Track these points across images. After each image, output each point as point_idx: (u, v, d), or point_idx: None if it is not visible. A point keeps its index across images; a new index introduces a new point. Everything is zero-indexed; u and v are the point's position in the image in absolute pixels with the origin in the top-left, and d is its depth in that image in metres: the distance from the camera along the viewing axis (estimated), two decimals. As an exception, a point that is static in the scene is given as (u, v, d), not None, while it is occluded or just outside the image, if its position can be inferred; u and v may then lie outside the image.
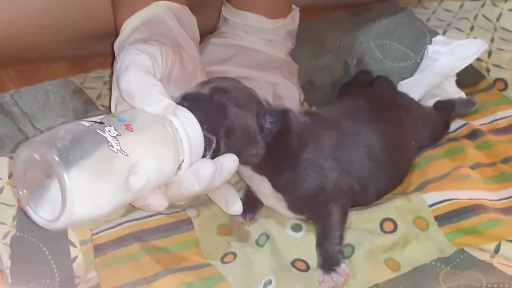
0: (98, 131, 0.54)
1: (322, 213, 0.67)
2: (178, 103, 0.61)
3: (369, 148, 0.70)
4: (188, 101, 0.61)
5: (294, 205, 0.68)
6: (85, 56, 0.93)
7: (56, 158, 0.52)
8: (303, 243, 0.69)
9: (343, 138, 0.69)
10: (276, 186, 0.67)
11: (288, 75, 0.83)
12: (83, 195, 0.53)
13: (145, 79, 0.60)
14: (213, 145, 0.61)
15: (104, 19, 0.85)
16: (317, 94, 0.87)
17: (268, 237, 0.70)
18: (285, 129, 0.65)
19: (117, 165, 0.54)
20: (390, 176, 0.72)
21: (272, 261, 0.68)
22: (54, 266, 0.68)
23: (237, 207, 0.66)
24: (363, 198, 0.70)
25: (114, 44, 0.71)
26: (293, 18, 0.86)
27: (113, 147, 0.54)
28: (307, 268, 0.67)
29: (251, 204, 0.70)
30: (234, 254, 0.68)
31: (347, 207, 0.68)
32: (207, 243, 0.69)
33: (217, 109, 0.61)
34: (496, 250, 0.68)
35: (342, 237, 0.67)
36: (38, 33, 0.87)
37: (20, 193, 0.55)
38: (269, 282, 0.66)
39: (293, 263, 0.68)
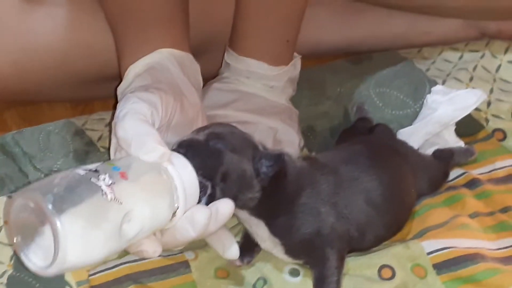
0: (92, 179, 0.55)
1: (319, 258, 0.66)
2: (174, 150, 0.62)
3: (367, 194, 0.70)
4: (184, 148, 0.62)
5: (291, 250, 0.68)
6: (87, 98, 0.94)
7: (50, 206, 0.53)
8: (300, 288, 0.68)
9: (341, 183, 0.69)
10: (273, 230, 0.67)
11: (288, 121, 0.83)
12: (75, 243, 0.53)
13: (141, 127, 0.61)
14: (208, 191, 0.61)
15: (107, 62, 0.87)
16: (317, 140, 0.87)
17: (265, 281, 0.69)
18: (281, 173, 0.65)
19: (111, 213, 0.55)
20: (388, 222, 0.72)
21: (269, 306, 0.67)
22: (50, 307, 0.67)
23: (233, 251, 0.66)
24: (361, 244, 0.70)
25: (118, 89, 0.72)
26: (295, 66, 0.87)
27: (107, 195, 0.55)
28: (304, 313, 0.67)
29: (249, 247, 0.70)
30: (231, 299, 0.68)
31: (344, 253, 0.68)
32: (204, 286, 0.69)
33: (212, 155, 0.62)
34: (495, 300, 0.68)
35: (339, 283, 0.66)
36: (41, 75, 0.88)
37: (15, 240, 0.56)
38: (266, 327, 0.66)
39: (290, 309, 0.67)
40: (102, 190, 0.55)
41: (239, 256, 0.69)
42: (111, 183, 0.55)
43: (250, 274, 0.70)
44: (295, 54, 0.87)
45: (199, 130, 0.65)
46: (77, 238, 0.53)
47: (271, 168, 0.64)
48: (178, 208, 0.59)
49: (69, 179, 0.55)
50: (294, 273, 0.70)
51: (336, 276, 0.66)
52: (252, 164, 0.63)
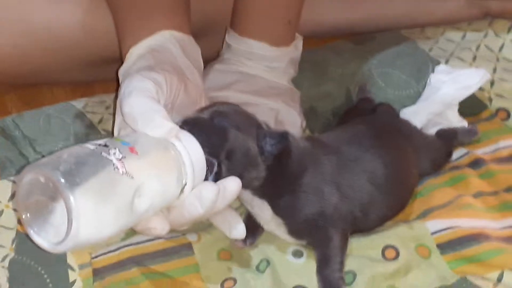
0: (103, 153, 0.55)
1: (322, 238, 0.66)
2: (179, 127, 0.62)
3: (370, 174, 0.70)
4: (189, 125, 0.62)
5: (294, 230, 0.67)
6: (88, 80, 0.94)
7: (62, 180, 0.52)
8: (304, 269, 0.68)
9: (344, 163, 0.69)
10: (276, 210, 0.66)
11: (290, 102, 0.83)
12: (88, 217, 0.52)
13: (148, 104, 0.61)
14: (215, 168, 0.61)
15: (107, 44, 0.86)
16: (319, 121, 0.87)
17: (268, 263, 0.69)
18: (285, 152, 0.64)
19: (123, 188, 0.54)
20: (391, 202, 0.72)
21: (273, 287, 0.67)
22: (52, 290, 0.67)
23: (240, 230, 0.65)
24: (364, 224, 0.70)
25: (119, 71, 0.71)
26: (296, 46, 0.87)
27: (118, 169, 0.54)
28: (308, 294, 0.67)
29: (252, 229, 0.70)
30: (234, 280, 0.68)
31: (348, 233, 0.68)
32: (207, 268, 0.69)
33: (217, 132, 0.62)
34: (499, 279, 0.67)
35: (342, 264, 0.66)
36: (41, 57, 0.87)
37: (23, 216, 0.55)
38: (269, 308, 0.66)
39: (294, 290, 0.67)
40: (113, 164, 0.54)
41: (242, 240, 0.69)
42: (121, 157, 0.55)
43: (254, 255, 0.70)
44: (297, 34, 0.86)
45: (203, 109, 0.64)
46: (90, 212, 0.52)
47: (275, 146, 0.64)
48: (186, 185, 0.59)
49: (79, 154, 0.54)
50: (297, 254, 0.70)
51: (339, 257, 0.66)
52: (257, 142, 0.63)
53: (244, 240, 0.70)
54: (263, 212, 0.67)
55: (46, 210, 0.54)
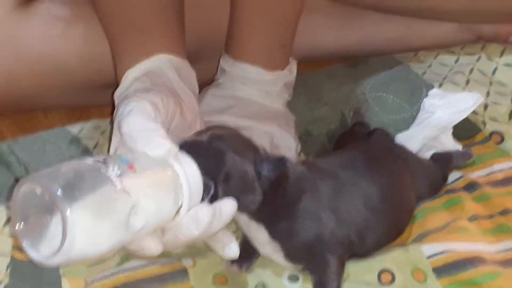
0: (102, 169, 0.55)
1: (319, 263, 0.66)
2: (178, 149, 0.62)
3: (366, 199, 0.70)
4: (187, 147, 0.62)
5: (291, 254, 0.67)
6: (83, 106, 0.94)
7: (60, 193, 0.52)
8: (300, 294, 0.68)
9: (340, 188, 0.69)
10: (273, 234, 0.66)
11: (285, 126, 0.83)
12: (84, 232, 0.52)
13: (147, 123, 0.61)
14: (211, 191, 0.61)
15: (102, 69, 0.86)
16: (314, 145, 0.87)
17: (264, 287, 0.69)
18: (282, 177, 0.65)
19: (119, 204, 0.54)
20: (388, 227, 0.72)
21: (269, 312, 0.67)
22: (47, 317, 0.67)
23: (233, 249, 0.65)
24: (361, 249, 0.70)
25: (115, 94, 0.71)
26: (291, 71, 0.87)
27: (116, 186, 0.54)
28: (304, 319, 0.67)
29: (248, 254, 0.70)
30: (230, 305, 0.68)
31: (345, 258, 0.68)
32: (203, 294, 0.69)
33: (215, 155, 0.62)
34: (495, 303, 0.67)
35: None
36: (36, 83, 0.88)
37: (17, 227, 0.54)
38: (265, 333, 0.65)
39: (290, 314, 0.67)
40: (111, 181, 0.54)
41: (238, 263, 0.69)
42: (119, 174, 0.55)
43: (249, 280, 0.70)
44: (291, 59, 0.87)
45: (201, 132, 0.65)
46: (86, 227, 0.52)
47: (272, 171, 0.64)
48: (181, 206, 0.59)
49: (78, 168, 0.54)
50: (293, 278, 0.69)
51: (336, 282, 0.66)
52: (254, 167, 0.63)
53: (240, 265, 0.70)
54: (260, 236, 0.67)
55: (41, 223, 0.54)
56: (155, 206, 0.57)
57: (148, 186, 0.57)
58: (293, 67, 0.87)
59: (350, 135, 0.84)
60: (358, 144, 0.80)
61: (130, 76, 0.71)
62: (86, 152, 0.82)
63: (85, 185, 0.53)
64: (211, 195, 0.61)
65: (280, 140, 0.81)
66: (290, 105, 0.87)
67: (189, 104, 0.71)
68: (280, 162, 0.64)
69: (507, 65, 0.97)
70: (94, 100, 0.93)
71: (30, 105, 0.93)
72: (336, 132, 0.87)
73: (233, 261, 0.70)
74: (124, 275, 0.69)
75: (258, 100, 0.84)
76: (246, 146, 0.64)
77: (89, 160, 0.56)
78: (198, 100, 0.76)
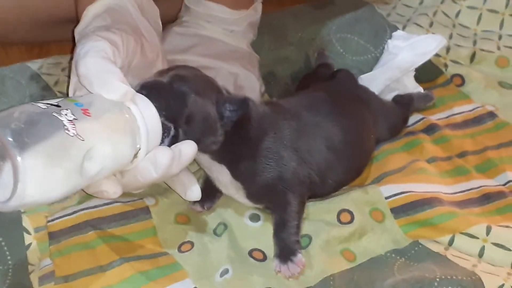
0: (54, 114, 0.54)
1: (280, 202, 0.67)
2: (137, 91, 0.61)
3: (328, 140, 0.70)
4: (147, 89, 0.61)
5: (253, 194, 0.68)
6: (43, 41, 0.92)
7: (10, 139, 0.51)
8: (261, 233, 0.69)
9: (303, 128, 0.69)
10: (235, 174, 0.67)
11: (249, 66, 0.83)
12: (35, 178, 0.52)
13: (104, 65, 0.60)
14: (171, 133, 0.61)
15: (63, 4, 0.84)
16: (278, 85, 0.87)
17: (226, 226, 0.70)
18: (244, 118, 0.65)
19: (72, 150, 0.54)
20: (348, 167, 0.73)
21: (230, 250, 0.68)
22: (7, 253, 0.67)
23: (195, 192, 0.65)
24: (322, 189, 0.71)
25: (75, 30, 0.70)
26: (256, 10, 0.86)
27: (69, 131, 0.53)
28: (264, 258, 0.68)
29: (210, 193, 0.70)
30: (192, 243, 0.68)
31: (305, 198, 0.69)
32: (165, 232, 0.69)
33: (176, 97, 0.61)
34: (450, 243, 0.69)
35: (299, 227, 0.67)
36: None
37: None
38: (226, 271, 0.66)
39: (250, 253, 0.68)
40: (64, 126, 0.53)
41: (200, 202, 0.69)
42: (73, 119, 0.54)
43: (211, 219, 0.71)
44: (256, -2, 0.86)
45: (162, 72, 0.64)
46: (38, 173, 0.52)
47: (235, 112, 0.64)
48: (140, 149, 0.59)
49: (30, 113, 0.53)
50: (254, 218, 0.70)
51: (296, 221, 0.67)
52: (216, 108, 0.63)
53: (202, 204, 0.71)
54: (222, 176, 0.67)
55: None
56: (111, 150, 0.56)
57: (103, 131, 0.56)
58: (258, 6, 0.86)
59: (314, 76, 0.85)
60: (322, 85, 0.80)
61: (90, 13, 0.69)
62: (47, 88, 0.81)
63: (37, 131, 0.52)
64: (171, 137, 0.61)
65: (244, 80, 0.81)
66: (255, 45, 0.86)
67: (151, 41, 0.69)
68: (243, 103, 0.64)
69: (471, 7, 0.97)
70: (54, 36, 0.91)
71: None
72: (300, 73, 0.87)
73: (195, 201, 0.70)
74: (85, 213, 0.69)
75: (223, 39, 0.84)
76: (208, 87, 0.64)
77: (42, 104, 0.55)
78: (161, 38, 0.75)
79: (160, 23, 0.75)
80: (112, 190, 0.60)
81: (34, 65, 0.83)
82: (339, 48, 0.90)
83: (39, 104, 0.55)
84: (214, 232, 0.70)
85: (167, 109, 0.60)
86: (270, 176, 0.67)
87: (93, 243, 0.67)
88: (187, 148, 0.61)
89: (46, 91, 0.80)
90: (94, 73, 0.59)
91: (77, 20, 0.71)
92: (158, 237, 0.69)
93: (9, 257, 0.67)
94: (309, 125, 0.70)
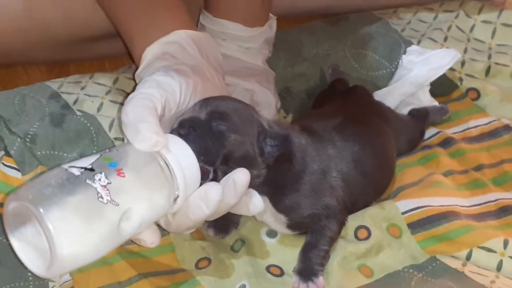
0: (87, 181, 0.55)
1: (320, 227, 0.67)
2: (175, 129, 0.61)
3: (359, 163, 0.70)
4: (185, 128, 0.61)
5: (295, 224, 0.68)
6: (63, 61, 0.93)
7: (41, 210, 0.53)
8: (278, 248, 0.69)
9: (339, 155, 0.69)
10: (278, 207, 0.66)
11: (265, 83, 0.83)
12: (71, 246, 0.54)
13: (141, 113, 0.59)
14: (210, 176, 0.61)
15: (83, 24, 0.86)
16: (294, 101, 0.87)
17: (243, 242, 0.70)
18: (287, 153, 0.64)
19: (107, 214, 0.55)
20: (377, 189, 0.74)
21: (247, 266, 0.68)
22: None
23: (257, 204, 0.63)
24: (350, 212, 0.70)
25: (135, 75, 0.70)
26: (271, 27, 0.87)
27: (103, 198, 0.55)
28: (282, 273, 0.68)
29: (225, 227, 0.70)
30: (209, 260, 0.69)
31: (343, 226, 0.69)
32: (182, 248, 0.70)
33: (214, 138, 0.61)
34: (468, 257, 0.69)
35: (328, 253, 0.67)
36: (17, 37, 0.87)
37: (15, 244, 0.56)
38: (243, 287, 0.67)
39: (267, 269, 0.68)
40: (98, 193, 0.54)
41: (215, 229, 0.70)
42: (107, 183, 0.55)
43: (228, 236, 0.71)
44: (271, 15, 0.87)
45: (202, 104, 0.63)
46: (73, 240, 0.53)
47: (276, 148, 0.63)
48: (178, 196, 0.59)
49: (62, 182, 0.54)
50: (271, 234, 0.70)
51: (328, 246, 0.66)
52: (257, 142, 0.63)
53: (217, 233, 0.70)
54: (264, 207, 0.65)
55: (34, 236, 0.55)
56: (148, 206, 0.57)
57: (139, 190, 0.57)
58: (273, 23, 0.87)
59: (330, 93, 0.85)
60: (340, 101, 0.80)
61: (149, 54, 0.69)
62: (66, 107, 0.81)
63: (70, 199, 0.53)
64: (210, 180, 0.60)
65: (260, 97, 0.82)
66: (270, 61, 0.87)
67: (212, 80, 0.69)
68: (285, 139, 0.63)
69: (485, 22, 0.97)
70: (74, 55, 0.92)
71: (10, 59, 0.92)
72: (315, 88, 0.88)
73: (210, 225, 0.70)
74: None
75: (238, 56, 0.84)
76: (248, 121, 0.63)
77: (75, 170, 0.55)
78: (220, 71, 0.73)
79: (220, 57, 0.74)
80: (150, 240, 0.60)
81: (54, 84, 0.84)
82: (354, 63, 0.91)
83: (73, 170, 0.55)
84: (232, 249, 0.70)
85: (206, 153, 0.60)
86: (316, 208, 0.66)
87: (111, 259, 0.67)
88: (239, 176, 0.60)
89: (66, 110, 0.81)
90: (130, 121, 0.59)
91: (134, 64, 0.71)
92: (175, 254, 0.69)
93: (29, 273, 0.67)
94: (343, 151, 0.70)
